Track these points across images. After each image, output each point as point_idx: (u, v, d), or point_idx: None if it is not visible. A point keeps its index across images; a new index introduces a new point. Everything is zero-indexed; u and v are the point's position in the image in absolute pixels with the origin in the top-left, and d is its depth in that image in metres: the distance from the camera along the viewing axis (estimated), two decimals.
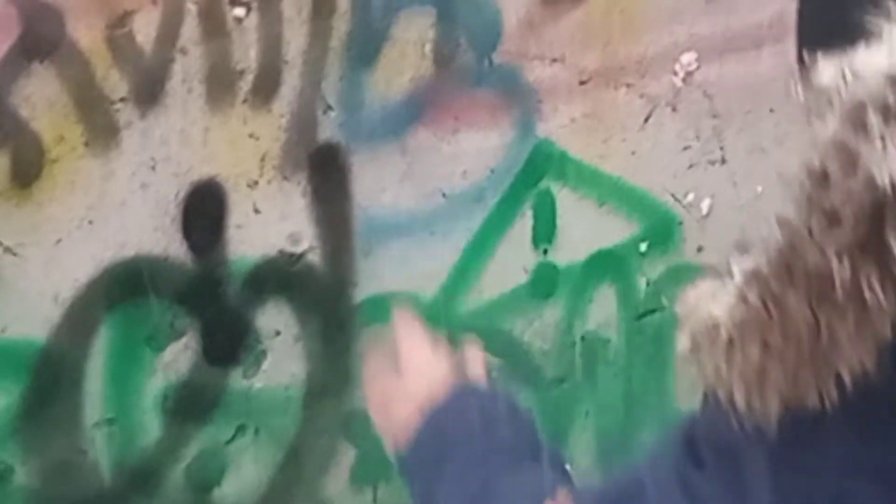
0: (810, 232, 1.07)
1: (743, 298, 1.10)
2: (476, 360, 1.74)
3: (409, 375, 1.65)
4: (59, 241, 2.42)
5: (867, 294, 1.01)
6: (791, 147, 3.28)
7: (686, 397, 3.31)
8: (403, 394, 1.62)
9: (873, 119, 1.00)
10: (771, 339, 1.08)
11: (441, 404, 1.56)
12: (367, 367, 1.77)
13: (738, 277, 1.13)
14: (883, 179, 0.99)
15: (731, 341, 1.10)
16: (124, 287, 2.50)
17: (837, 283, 1.02)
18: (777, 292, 1.08)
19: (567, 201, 3.02)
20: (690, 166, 3.19)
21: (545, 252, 3.01)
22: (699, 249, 3.22)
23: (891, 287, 1.01)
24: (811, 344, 1.05)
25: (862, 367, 1.03)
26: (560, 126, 2.97)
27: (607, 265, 3.12)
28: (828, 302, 1.04)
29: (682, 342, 1.18)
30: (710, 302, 1.14)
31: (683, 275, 3.21)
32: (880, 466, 1.08)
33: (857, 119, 1.01)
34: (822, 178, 1.06)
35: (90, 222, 2.44)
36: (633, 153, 3.09)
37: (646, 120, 3.10)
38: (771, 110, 3.27)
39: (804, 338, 1.06)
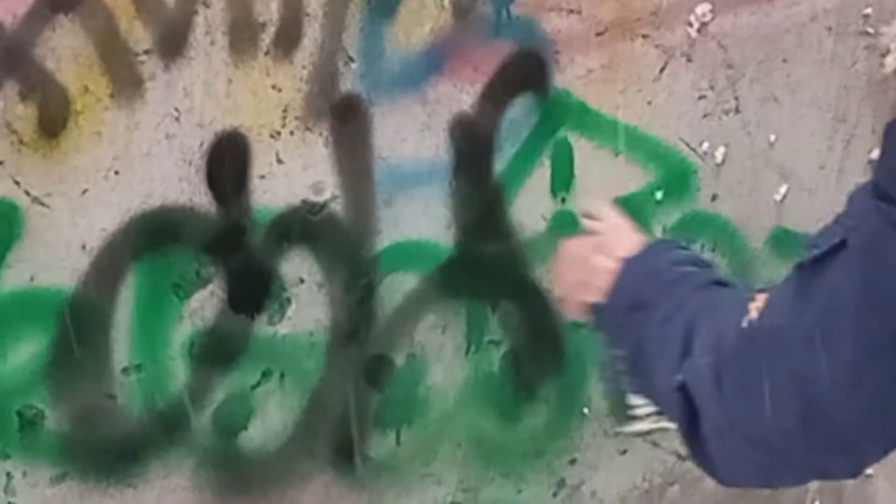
0: None
1: None
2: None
3: (608, 233, 1.73)
4: (85, 191, 2.34)
5: None
6: (803, 96, 3.23)
7: None
8: (603, 246, 1.69)
9: None
10: None
11: (637, 254, 1.63)
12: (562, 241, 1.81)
13: None
14: None
15: None
16: (150, 236, 2.43)
17: None
18: None
19: (584, 150, 2.92)
20: (705, 116, 3.09)
21: (563, 200, 2.92)
22: (713, 198, 3.14)
23: None
24: None
25: None
26: (577, 77, 2.87)
27: (625, 212, 3.00)
28: None
29: (889, 63, 1.35)
30: None
31: (699, 222, 3.13)
32: None
33: None
34: None
35: (116, 172, 2.37)
36: (648, 103, 3.00)
37: (661, 70, 3.00)
38: (784, 60, 3.18)
39: None
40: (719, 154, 3.13)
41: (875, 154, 3.42)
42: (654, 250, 1.64)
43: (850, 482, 3.57)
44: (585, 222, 1.85)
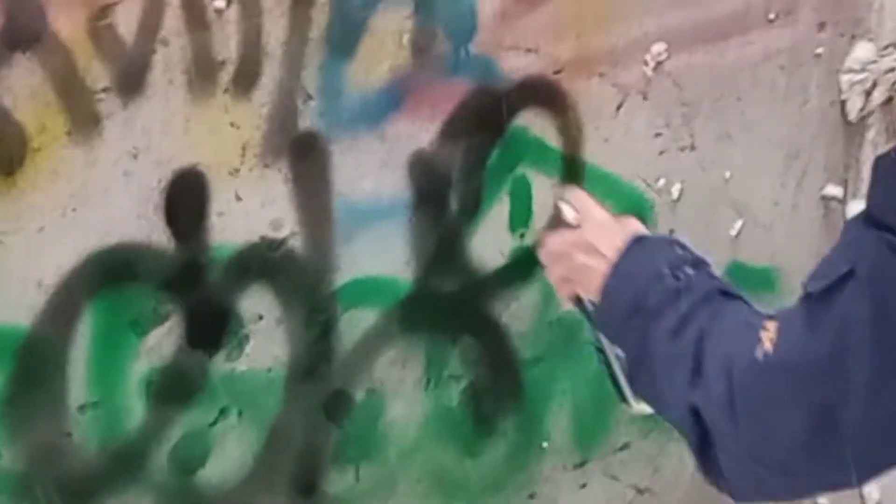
0: None
1: None
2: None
3: (588, 228, 1.66)
4: (42, 228, 2.29)
5: None
6: (757, 134, 3.23)
7: None
8: (585, 243, 1.64)
9: None
10: None
11: (626, 252, 1.58)
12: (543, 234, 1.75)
13: None
14: None
15: None
16: (107, 273, 2.38)
17: None
18: None
19: (543, 187, 2.90)
20: (661, 153, 3.09)
21: (522, 236, 2.89)
22: (671, 232, 3.11)
23: None
24: None
25: None
26: (534, 114, 2.85)
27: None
28: None
29: (877, 98, 1.17)
30: None
31: None
32: None
33: None
34: None
35: (73, 210, 2.32)
36: (605, 140, 2.99)
37: (618, 108, 2.99)
38: (738, 98, 3.19)
39: None
40: (675, 190, 3.12)
41: (827, 190, 3.44)
42: (647, 250, 1.60)
43: None
44: (565, 213, 1.78)
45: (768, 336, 1.41)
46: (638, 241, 1.63)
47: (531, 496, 3.04)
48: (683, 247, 1.66)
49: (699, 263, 1.63)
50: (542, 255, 1.83)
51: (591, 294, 1.69)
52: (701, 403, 1.46)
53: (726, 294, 1.58)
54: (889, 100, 1.18)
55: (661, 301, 1.55)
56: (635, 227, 1.70)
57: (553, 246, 1.78)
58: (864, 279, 1.31)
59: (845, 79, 3.33)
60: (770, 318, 1.45)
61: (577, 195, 1.86)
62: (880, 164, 1.35)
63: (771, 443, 1.38)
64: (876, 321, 1.30)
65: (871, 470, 1.39)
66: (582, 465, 3.10)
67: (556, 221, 1.80)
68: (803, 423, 1.35)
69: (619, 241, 1.65)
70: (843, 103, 3.36)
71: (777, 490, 1.50)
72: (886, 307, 1.29)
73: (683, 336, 1.50)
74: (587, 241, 1.69)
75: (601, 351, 1.92)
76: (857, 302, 1.31)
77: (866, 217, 1.36)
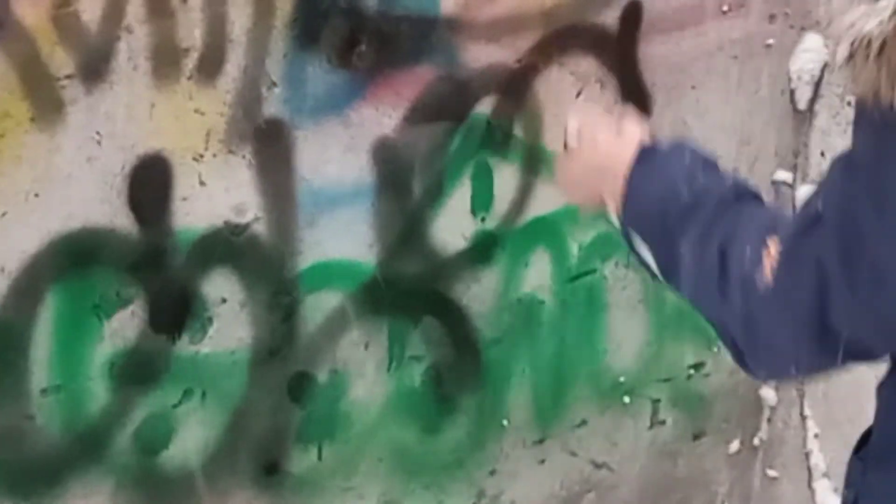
0: None
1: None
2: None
3: (593, 151, 1.63)
4: (4, 213, 2.13)
5: None
6: (711, 121, 3.08)
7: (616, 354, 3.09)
8: (595, 167, 1.60)
9: None
10: None
11: (637, 170, 1.55)
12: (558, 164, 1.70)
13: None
14: None
15: (881, 49, 1.20)
16: (71, 258, 2.22)
17: None
18: None
19: (503, 172, 2.75)
20: None
21: (483, 220, 2.74)
22: None
23: None
24: None
25: None
26: (496, 102, 2.69)
27: (542, 232, 2.85)
28: None
29: (840, 53, 1.24)
30: (865, 21, 1.21)
31: (613, 240, 2.94)
32: None
33: None
34: None
35: (36, 195, 2.16)
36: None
37: (577, 96, 2.83)
38: (693, 87, 3.04)
39: None
40: None
41: (778, 175, 3.31)
42: (658, 164, 1.56)
43: (756, 485, 3.45)
44: (569, 140, 1.69)
45: (769, 261, 1.43)
46: (647, 153, 1.59)
47: (492, 473, 2.89)
48: (692, 152, 1.62)
49: (709, 166, 1.60)
50: (560, 184, 1.76)
51: (612, 211, 1.64)
52: (727, 320, 1.50)
53: (739, 196, 1.57)
54: (850, 56, 1.15)
55: (680, 218, 1.54)
56: (639, 137, 1.63)
57: (566, 175, 1.72)
58: (831, 218, 1.35)
59: (794, 69, 3.21)
60: (774, 232, 1.46)
61: (579, 121, 1.77)
62: (858, 108, 1.35)
63: (778, 354, 1.47)
64: (842, 256, 1.34)
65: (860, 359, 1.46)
66: (541, 441, 2.96)
67: (567, 149, 1.66)
68: (802, 340, 1.42)
69: (628, 157, 1.60)
70: (792, 92, 3.24)
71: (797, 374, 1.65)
72: (853, 242, 1.34)
73: (705, 255, 1.51)
74: (596, 165, 1.63)
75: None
76: (827, 240, 1.36)
77: (848, 156, 1.39)
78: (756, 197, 1.60)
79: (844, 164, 1.37)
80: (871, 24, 1.20)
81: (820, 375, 1.68)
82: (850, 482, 1.49)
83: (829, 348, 1.40)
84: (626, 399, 3.09)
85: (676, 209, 1.55)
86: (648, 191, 1.57)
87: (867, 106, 1.27)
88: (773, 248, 1.43)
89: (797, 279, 1.39)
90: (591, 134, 1.68)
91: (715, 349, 3.23)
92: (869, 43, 1.21)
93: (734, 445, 3.37)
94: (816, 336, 1.39)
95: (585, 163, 1.66)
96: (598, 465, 3.09)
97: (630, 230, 1.62)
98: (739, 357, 1.54)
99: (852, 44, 1.22)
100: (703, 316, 1.56)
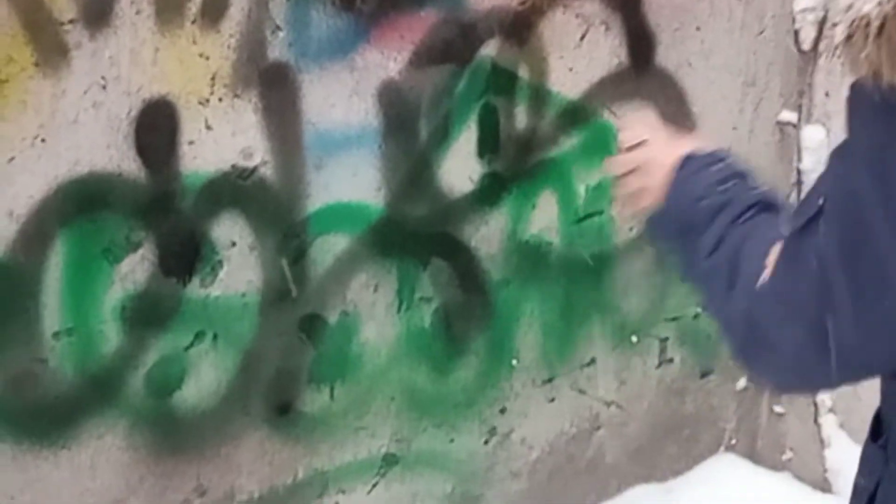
0: None
1: None
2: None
3: (647, 152, 1.67)
4: (11, 159, 2.08)
5: None
6: (715, 62, 3.01)
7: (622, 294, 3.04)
8: (644, 166, 1.65)
9: None
10: None
11: (677, 173, 1.60)
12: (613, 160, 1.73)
13: None
14: None
15: (881, 30, 1.18)
16: (79, 203, 2.17)
17: None
18: None
19: (508, 115, 2.68)
20: (623, 81, 2.85)
21: (489, 162, 2.68)
22: None
23: None
24: None
25: None
26: (501, 45, 2.62)
27: (549, 173, 2.79)
28: None
29: (838, 35, 1.22)
30: (863, 2, 1.20)
31: None
32: None
33: None
34: None
35: (42, 140, 2.11)
36: (570, 69, 2.77)
37: (581, 38, 2.76)
38: (697, 28, 2.97)
39: None
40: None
41: (783, 116, 3.24)
42: (693, 169, 1.61)
43: (763, 421, 3.41)
44: (623, 140, 1.73)
45: (770, 262, 1.41)
46: (688, 159, 1.61)
47: (502, 411, 2.85)
48: (726, 160, 1.63)
49: (741, 176, 1.60)
50: (614, 180, 1.76)
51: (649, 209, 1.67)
52: (732, 319, 1.47)
53: (762, 205, 1.56)
54: (849, 37, 1.12)
55: (704, 220, 1.56)
56: (688, 144, 1.66)
57: (617, 169, 1.72)
58: (831, 212, 1.31)
59: (798, 8, 3.14)
60: (781, 237, 1.43)
61: (638, 122, 1.81)
62: (853, 93, 1.29)
63: (779, 358, 1.42)
64: (844, 252, 1.29)
65: (854, 376, 1.41)
66: (550, 380, 2.91)
67: (623, 147, 1.72)
68: (798, 340, 1.37)
69: (671, 162, 1.63)
70: (796, 33, 3.17)
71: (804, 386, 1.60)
72: (856, 236, 1.29)
73: (719, 253, 1.51)
74: (646, 163, 1.66)
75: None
76: (828, 236, 1.31)
77: (842, 147, 1.33)
78: (777, 207, 1.59)
79: (842, 155, 1.32)
80: (869, 4, 1.18)
81: (824, 388, 1.66)
82: (868, 470, 1.43)
83: (826, 355, 1.35)
84: (634, 338, 3.05)
85: (705, 212, 1.57)
86: (684, 191, 1.61)
87: (866, 89, 1.23)
88: (773, 253, 1.42)
89: (795, 276, 1.36)
90: (647, 136, 1.73)
91: None
92: (868, 23, 1.18)
93: (741, 383, 3.33)
94: (814, 338, 1.34)
95: (638, 161, 1.70)
96: (607, 403, 3.04)
97: (662, 227, 1.67)
98: (745, 363, 1.52)
99: (851, 24, 1.20)
100: (713, 318, 1.54)
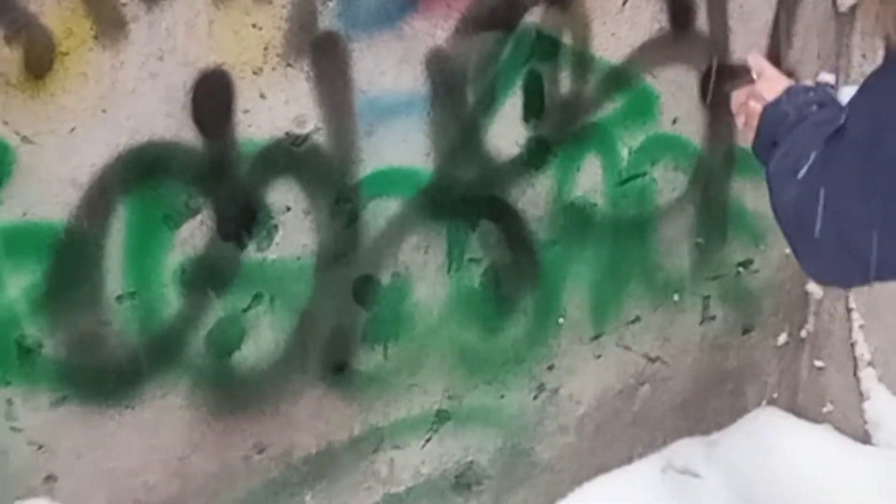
0: None
1: None
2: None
3: (760, 84, 1.86)
4: (73, 129, 2.04)
5: None
6: (754, 25, 2.92)
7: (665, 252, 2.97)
8: (757, 94, 1.83)
9: None
10: None
11: (775, 100, 1.76)
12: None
13: None
14: None
15: None
16: (139, 170, 2.13)
17: None
18: None
19: (553, 81, 2.60)
20: (665, 46, 2.77)
21: (535, 127, 2.60)
22: (674, 121, 2.82)
23: None
24: None
25: None
26: (545, 11, 2.55)
27: (592, 137, 2.72)
28: None
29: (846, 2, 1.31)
30: None
31: (662, 143, 2.84)
32: None
33: None
34: None
35: (103, 111, 2.07)
36: (612, 35, 2.69)
37: (623, 4, 2.68)
38: None
39: None
40: (680, 80, 2.81)
41: (821, 77, 3.12)
42: (787, 97, 1.75)
43: (803, 375, 3.34)
44: (753, 72, 1.95)
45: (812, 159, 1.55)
46: (785, 92, 1.78)
47: (550, 368, 2.79)
48: (815, 90, 1.78)
49: (821, 103, 1.73)
50: (732, 107, 1.97)
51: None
52: (785, 204, 1.59)
53: (828, 121, 1.62)
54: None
55: (784, 135, 1.70)
56: (791, 81, 1.86)
57: (738, 97, 1.93)
58: (853, 133, 1.45)
59: None
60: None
61: (756, 58, 1.99)
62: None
63: (820, 249, 1.52)
64: (862, 159, 1.43)
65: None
66: (597, 337, 2.85)
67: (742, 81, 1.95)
68: (827, 227, 1.49)
69: (777, 92, 1.81)
70: None
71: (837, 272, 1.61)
72: (868, 147, 1.41)
73: (789, 157, 1.62)
74: (758, 92, 1.85)
75: None
76: (848, 147, 1.45)
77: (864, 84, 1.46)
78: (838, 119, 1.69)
79: (862, 90, 1.47)
80: None
81: (860, 284, 1.66)
82: None
83: (856, 253, 1.47)
84: (676, 297, 2.98)
85: (787, 126, 1.72)
86: (776, 113, 1.76)
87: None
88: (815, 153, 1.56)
89: (826, 171, 1.50)
90: (763, 71, 1.93)
91: (762, 247, 3.10)
92: None
93: (782, 338, 3.25)
94: (841, 237, 1.47)
95: (752, 91, 1.90)
96: (651, 359, 2.98)
97: (760, 144, 1.81)
98: (793, 252, 1.62)
99: None
100: (777, 216, 1.65)
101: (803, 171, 1.53)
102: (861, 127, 1.45)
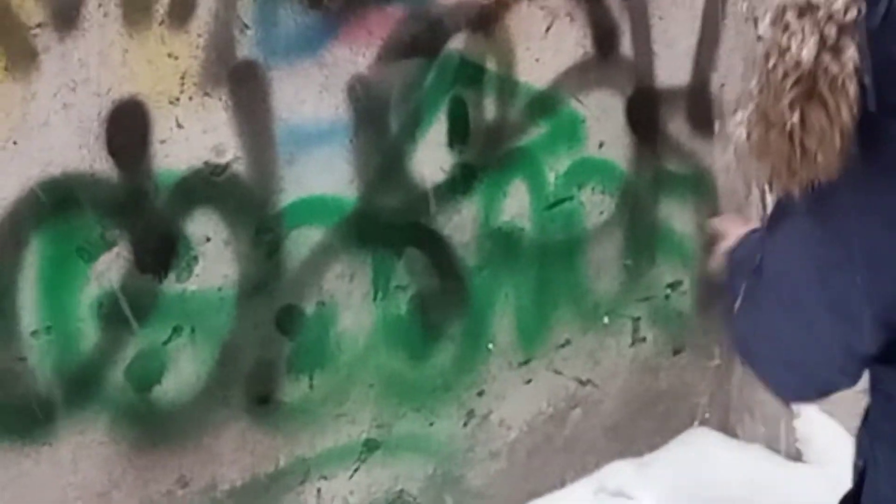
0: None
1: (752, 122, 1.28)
2: None
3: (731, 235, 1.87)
4: None
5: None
6: (678, 50, 2.92)
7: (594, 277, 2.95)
8: (723, 241, 1.85)
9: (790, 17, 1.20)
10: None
11: (731, 249, 1.78)
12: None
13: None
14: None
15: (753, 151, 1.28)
16: (52, 203, 2.08)
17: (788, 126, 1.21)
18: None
19: (477, 106, 2.58)
20: (589, 70, 2.75)
21: (460, 152, 2.58)
22: (601, 145, 2.81)
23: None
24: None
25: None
26: (468, 38, 2.53)
27: (518, 162, 2.70)
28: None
29: (725, 159, 1.33)
30: (736, 129, 1.29)
31: (588, 167, 2.82)
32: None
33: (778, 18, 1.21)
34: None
35: (14, 143, 2.02)
36: (537, 60, 2.67)
37: (547, 30, 2.66)
38: (660, 18, 2.87)
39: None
40: (604, 105, 2.80)
41: None
42: (742, 242, 1.79)
43: (735, 395, 3.33)
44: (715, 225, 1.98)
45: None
46: (742, 238, 1.80)
47: (480, 394, 2.76)
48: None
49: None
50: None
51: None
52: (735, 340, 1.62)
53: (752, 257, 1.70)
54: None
55: (739, 275, 1.69)
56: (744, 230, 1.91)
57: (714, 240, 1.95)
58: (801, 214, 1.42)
59: None
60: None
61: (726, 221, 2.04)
62: None
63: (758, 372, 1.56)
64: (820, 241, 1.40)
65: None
66: (527, 362, 2.82)
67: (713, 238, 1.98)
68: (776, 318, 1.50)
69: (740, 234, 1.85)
70: (756, 20, 3.07)
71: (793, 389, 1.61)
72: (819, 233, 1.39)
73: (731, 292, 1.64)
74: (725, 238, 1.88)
75: None
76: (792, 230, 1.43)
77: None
78: None
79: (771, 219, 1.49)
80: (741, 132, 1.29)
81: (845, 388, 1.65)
82: (860, 452, 1.47)
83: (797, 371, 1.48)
84: (606, 319, 2.95)
85: (741, 270, 1.71)
86: (735, 256, 1.78)
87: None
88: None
89: (749, 307, 1.52)
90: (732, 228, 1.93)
91: (691, 268, 3.09)
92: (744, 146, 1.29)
93: (713, 359, 3.24)
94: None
95: (721, 236, 1.92)
96: (582, 383, 2.95)
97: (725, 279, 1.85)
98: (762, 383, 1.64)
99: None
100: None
101: (738, 304, 1.55)
102: (768, 269, 1.48)
